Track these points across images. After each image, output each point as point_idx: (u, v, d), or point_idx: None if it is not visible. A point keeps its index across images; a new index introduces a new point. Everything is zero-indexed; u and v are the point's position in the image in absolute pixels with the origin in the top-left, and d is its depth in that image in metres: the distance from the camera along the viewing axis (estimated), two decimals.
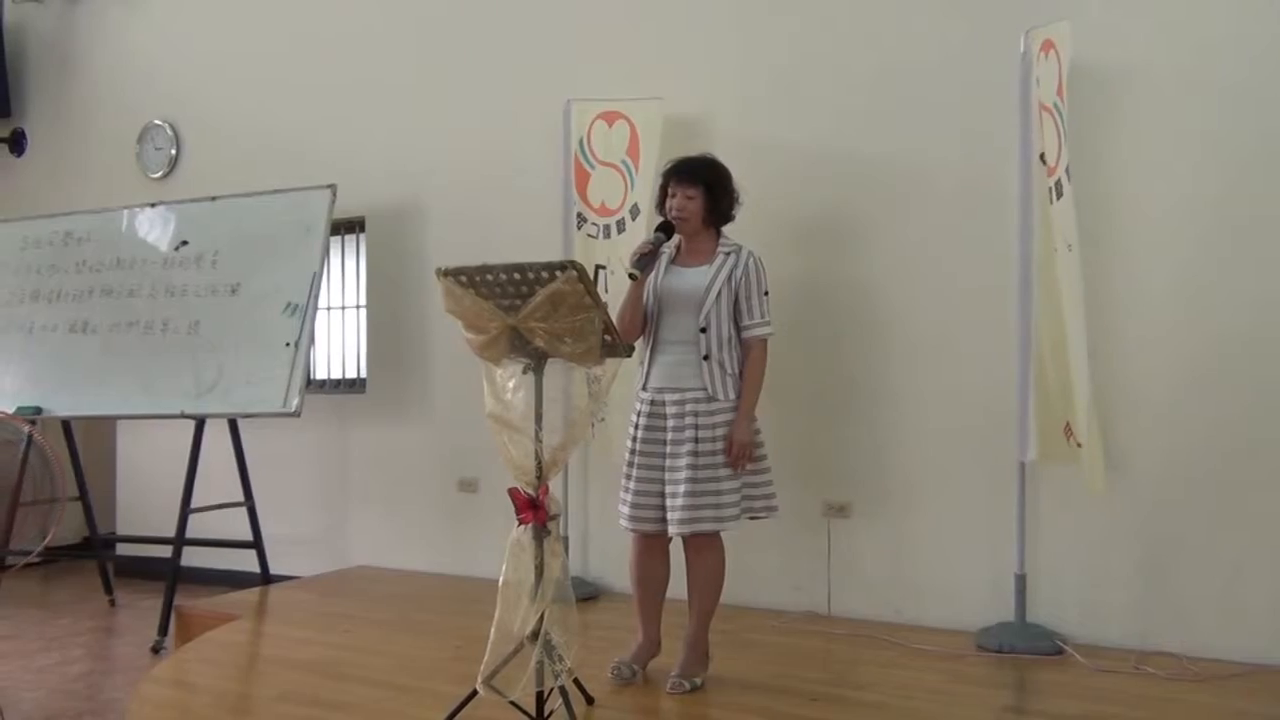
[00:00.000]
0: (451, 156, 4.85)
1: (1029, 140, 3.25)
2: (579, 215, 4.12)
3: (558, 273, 2.55)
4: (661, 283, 3.10)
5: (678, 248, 3.17)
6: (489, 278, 2.62)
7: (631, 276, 3.02)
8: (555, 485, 2.76)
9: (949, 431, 3.74)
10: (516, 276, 2.59)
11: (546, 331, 2.57)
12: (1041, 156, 3.23)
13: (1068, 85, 3.36)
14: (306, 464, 5.23)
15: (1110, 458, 3.35)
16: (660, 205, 3.17)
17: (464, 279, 2.66)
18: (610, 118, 4.14)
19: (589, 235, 4.11)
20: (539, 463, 2.62)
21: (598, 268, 4.00)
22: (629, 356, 2.79)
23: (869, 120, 3.90)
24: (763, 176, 3.65)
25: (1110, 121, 3.48)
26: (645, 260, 3.02)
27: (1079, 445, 3.26)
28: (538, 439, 2.62)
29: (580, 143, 4.14)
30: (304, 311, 4.52)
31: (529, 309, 2.57)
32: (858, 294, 3.92)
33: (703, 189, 3.07)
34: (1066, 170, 3.32)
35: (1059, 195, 3.30)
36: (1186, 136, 3.40)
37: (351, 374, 5.29)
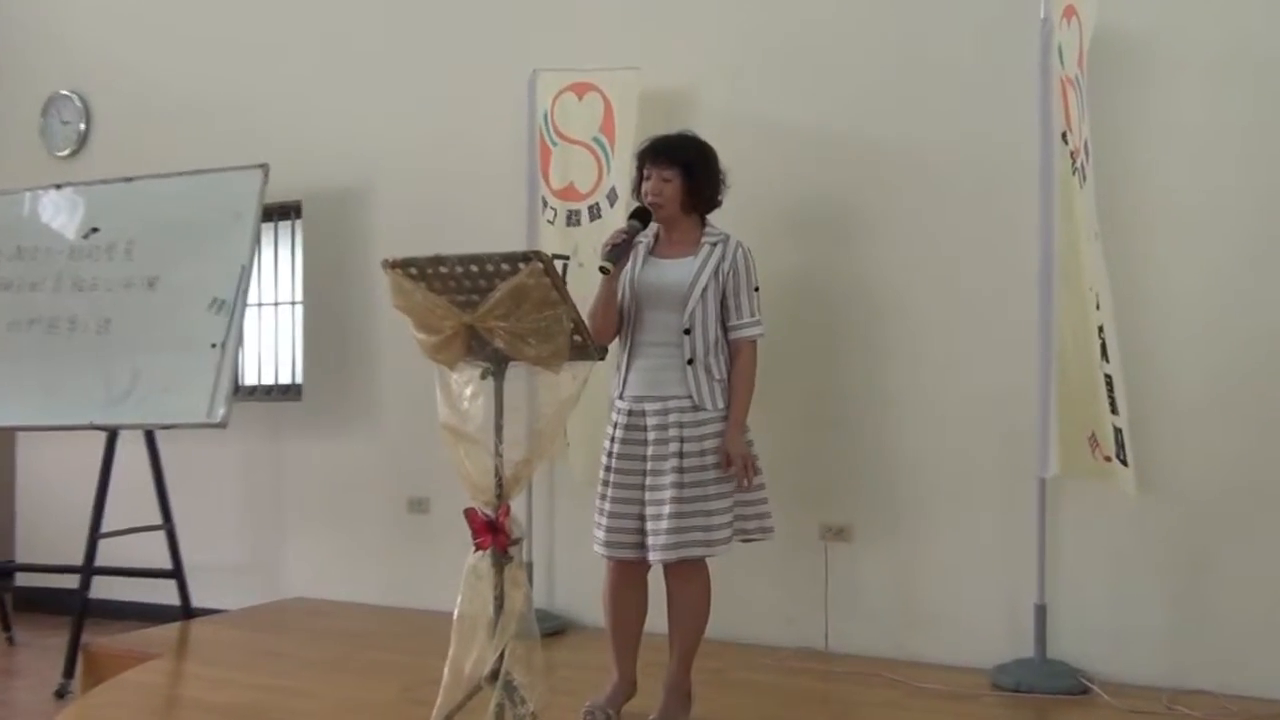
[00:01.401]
0: (401, 133, 4.83)
1: (1050, 118, 3.26)
2: (543, 199, 4.12)
3: (520, 264, 2.54)
4: (639, 277, 3.09)
5: (656, 237, 3.16)
6: (443, 270, 2.61)
7: (603, 270, 3.00)
8: (517, 505, 2.75)
9: (961, 444, 3.75)
10: (474, 269, 2.58)
11: (508, 331, 2.57)
12: (1064, 136, 3.26)
13: (1088, 55, 3.39)
14: (234, 482, 5.19)
15: (1139, 471, 3.37)
16: (636, 190, 3.17)
17: (414, 271, 2.65)
18: (580, 89, 4.14)
19: (548, 221, 4.10)
20: (499, 480, 2.61)
21: (555, 257, 3.98)
22: (601, 359, 2.79)
23: (873, 97, 3.92)
24: (754, 158, 3.65)
25: (1135, 97, 3.51)
26: (618, 251, 3.00)
27: (1105, 460, 3.28)
28: (498, 453, 2.62)
29: (545, 117, 4.13)
30: (232, 308, 4.49)
31: (488, 306, 2.56)
32: (858, 290, 3.93)
33: (680, 170, 3.07)
34: (1086, 150, 3.35)
35: (1084, 179, 3.32)
36: (1222, 115, 3.43)
37: (286, 379, 5.26)
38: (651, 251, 3.14)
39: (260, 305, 5.27)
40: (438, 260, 2.62)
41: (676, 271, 3.06)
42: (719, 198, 3.17)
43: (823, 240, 4.00)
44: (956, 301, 3.78)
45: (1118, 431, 3.28)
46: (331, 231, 5.02)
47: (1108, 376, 3.29)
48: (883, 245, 3.90)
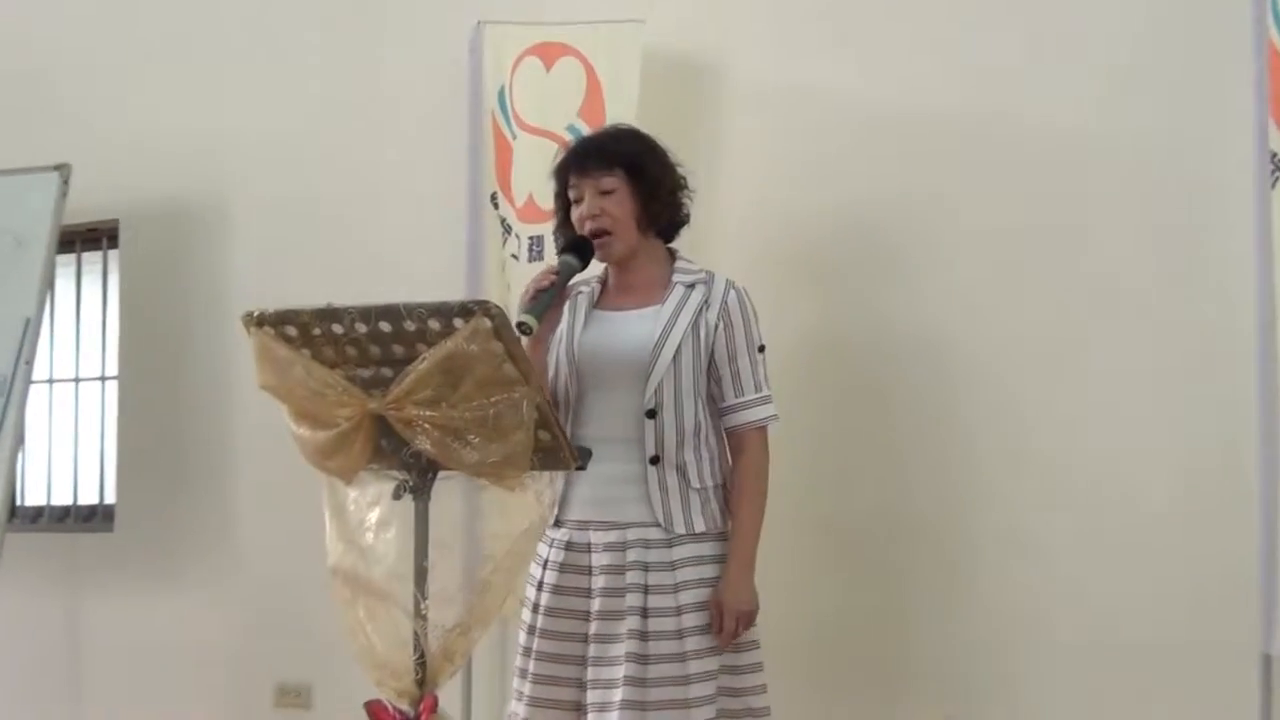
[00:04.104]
0: (275, 120, 4.88)
1: (1263, 102, 3.29)
2: (502, 221, 4.14)
3: (458, 321, 2.57)
4: (580, 340, 3.14)
5: (603, 283, 3.23)
6: (337, 329, 2.64)
7: (521, 329, 2.99)
8: (448, 695, 2.73)
9: (1130, 601, 3.72)
10: (385, 328, 2.61)
11: (438, 424, 2.59)
12: None
13: None
14: (6, 654, 5.16)
15: None
16: (563, 225, 3.24)
17: (293, 332, 2.68)
18: (549, 53, 4.18)
19: (511, 256, 4.12)
20: (420, 656, 2.63)
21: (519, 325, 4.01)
22: (582, 468, 2.84)
23: (982, 62, 3.95)
24: (809, 151, 3.67)
25: None
26: (544, 300, 3.05)
27: None
28: (419, 614, 2.63)
29: (501, 94, 4.17)
30: (8, 386, 4.51)
31: (407, 384, 2.59)
32: (948, 355, 3.93)
33: (624, 174, 3.13)
34: None
35: None
36: None
37: (90, 497, 5.27)
38: (596, 304, 3.20)
39: (53, 382, 5.30)
40: (329, 314, 2.65)
41: (635, 327, 3.11)
42: (683, 213, 3.23)
43: (887, 276, 3.99)
44: (1111, 375, 3.76)
45: None
46: (164, 269, 5.06)
47: None
48: (985, 285, 3.89)
